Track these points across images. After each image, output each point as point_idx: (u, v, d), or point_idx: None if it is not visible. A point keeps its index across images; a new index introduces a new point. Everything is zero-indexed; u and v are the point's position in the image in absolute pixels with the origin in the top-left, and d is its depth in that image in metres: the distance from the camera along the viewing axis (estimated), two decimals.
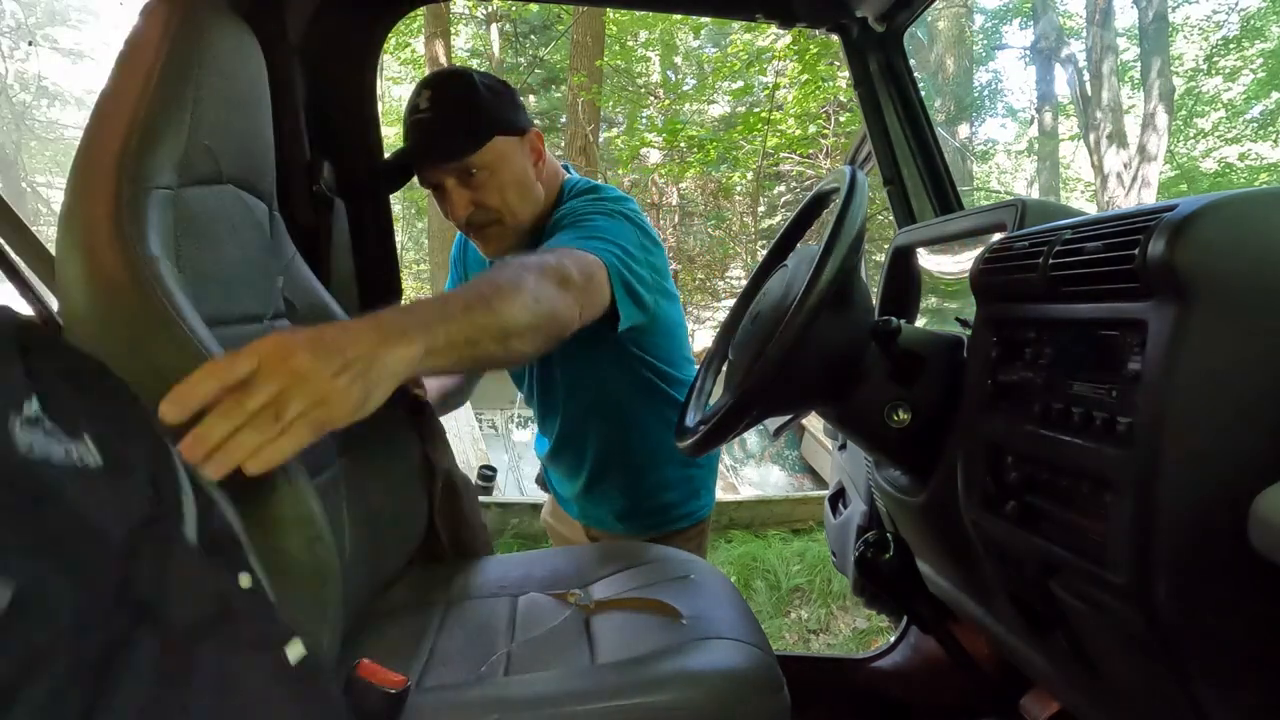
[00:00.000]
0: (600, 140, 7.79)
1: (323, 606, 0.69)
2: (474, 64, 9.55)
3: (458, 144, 1.06)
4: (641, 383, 1.23)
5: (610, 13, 7.04)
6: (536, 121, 1.17)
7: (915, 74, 1.35)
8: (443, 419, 1.20)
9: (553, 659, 0.81)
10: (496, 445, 4.40)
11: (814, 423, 4.00)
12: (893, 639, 1.44)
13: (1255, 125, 9.64)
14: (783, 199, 9.06)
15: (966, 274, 0.78)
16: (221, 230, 0.83)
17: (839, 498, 1.43)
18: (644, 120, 9.36)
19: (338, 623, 0.72)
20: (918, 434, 0.83)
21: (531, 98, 9.00)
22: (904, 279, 1.24)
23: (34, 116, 15.16)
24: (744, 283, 1.23)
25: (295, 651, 0.44)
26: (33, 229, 1.04)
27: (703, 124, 9.25)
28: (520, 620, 0.91)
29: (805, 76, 6.52)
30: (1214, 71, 9.70)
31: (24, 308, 0.95)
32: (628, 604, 0.90)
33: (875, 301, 1.21)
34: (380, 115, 1.31)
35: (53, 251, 0.86)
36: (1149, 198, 7.25)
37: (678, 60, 11.31)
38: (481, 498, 1.60)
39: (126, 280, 0.66)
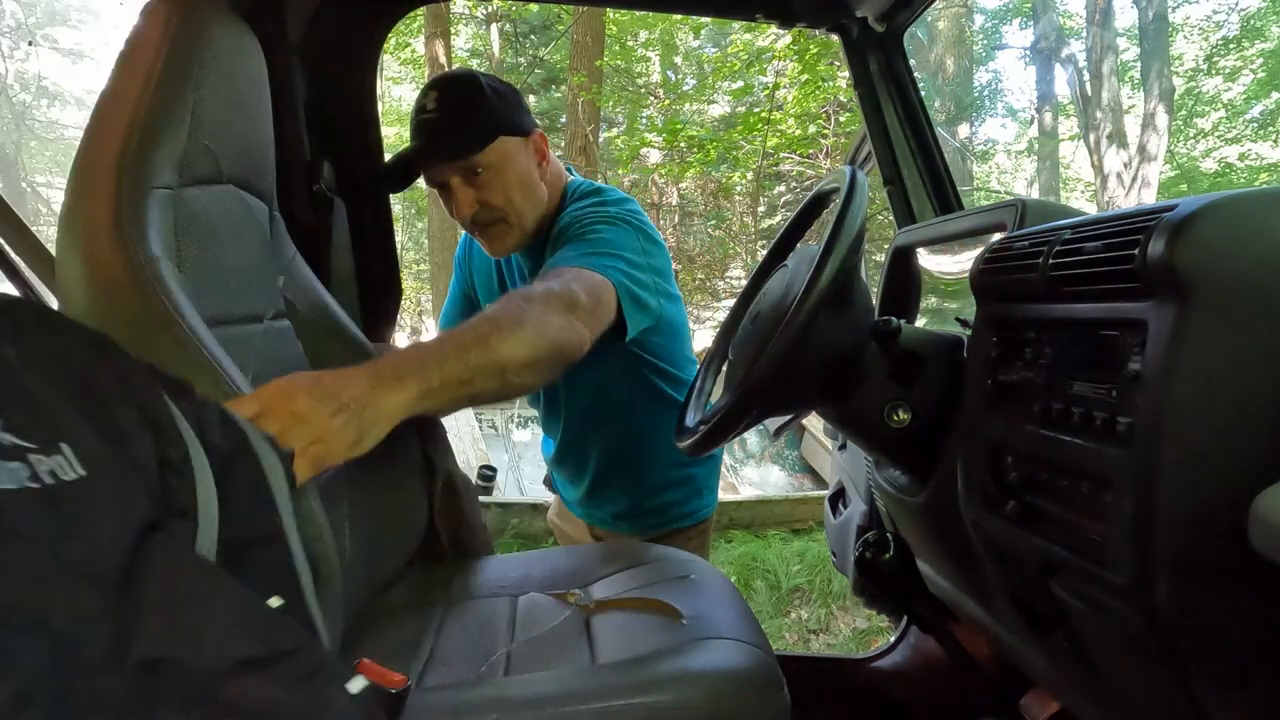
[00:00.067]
0: (600, 140, 7.79)
1: (323, 606, 0.68)
2: (474, 64, 9.55)
3: (463, 143, 1.07)
4: (644, 384, 1.24)
5: (610, 13, 7.04)
6: (537, 122, 1.18)
7: (915, 74, 1.35)
8: (443, 419, 1.20)
9: (553, 659, 0.81)
10: (496, 445, 4.40)
11: (814, 423, 4.00)
12: (893, 639, 1.44)
13: (1255, 125, 9.64)
14: (783, 199, 9.05)
15: (966, 274, 0.78)
16: (222, 230, 0.83)
17: (839, 498, 1.43)
18: (644, 120, 9.36)
19: (338, 623, 0.72)
20: (918, 434, 0.83)
21: (531, 98, 9.00)
22: (904, 279, 1.24)
23: (34, 116, 15.16)
24: (744, 283, 1.23)
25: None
26: (33, 229, 1.04)
27: (703, 124, 9.25)
28: (520, 620, 0.91)
29: (805, 76, 6.52)
30: (1214, 71, 9.70)
31: None
32: (628, 604, 0.90)
33: (875, 301, 1.21)
34: (380, 115, 1.31)
35: (53, 251, 0.86)
36: (1149, 198, 7.25)
37: (678, 60, 11.31)
38: (481, 498, 1.61)
39: (127, 280, 0.67)
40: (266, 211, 0.97)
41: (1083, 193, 10.96)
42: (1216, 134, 10.11)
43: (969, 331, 0.80)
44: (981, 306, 0.77)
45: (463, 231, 1.28)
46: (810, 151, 7.33)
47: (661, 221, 8.65)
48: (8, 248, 1.02)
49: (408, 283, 9.24)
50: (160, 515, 0.36)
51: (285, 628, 0.38)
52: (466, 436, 3.93)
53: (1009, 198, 1.43)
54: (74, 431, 0.34)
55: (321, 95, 1.18)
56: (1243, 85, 9.56)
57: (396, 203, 8.42)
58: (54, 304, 0.94)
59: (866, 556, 1.07)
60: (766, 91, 7.49)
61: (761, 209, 8.74)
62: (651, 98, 9.76)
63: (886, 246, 1.28)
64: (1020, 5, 10.78)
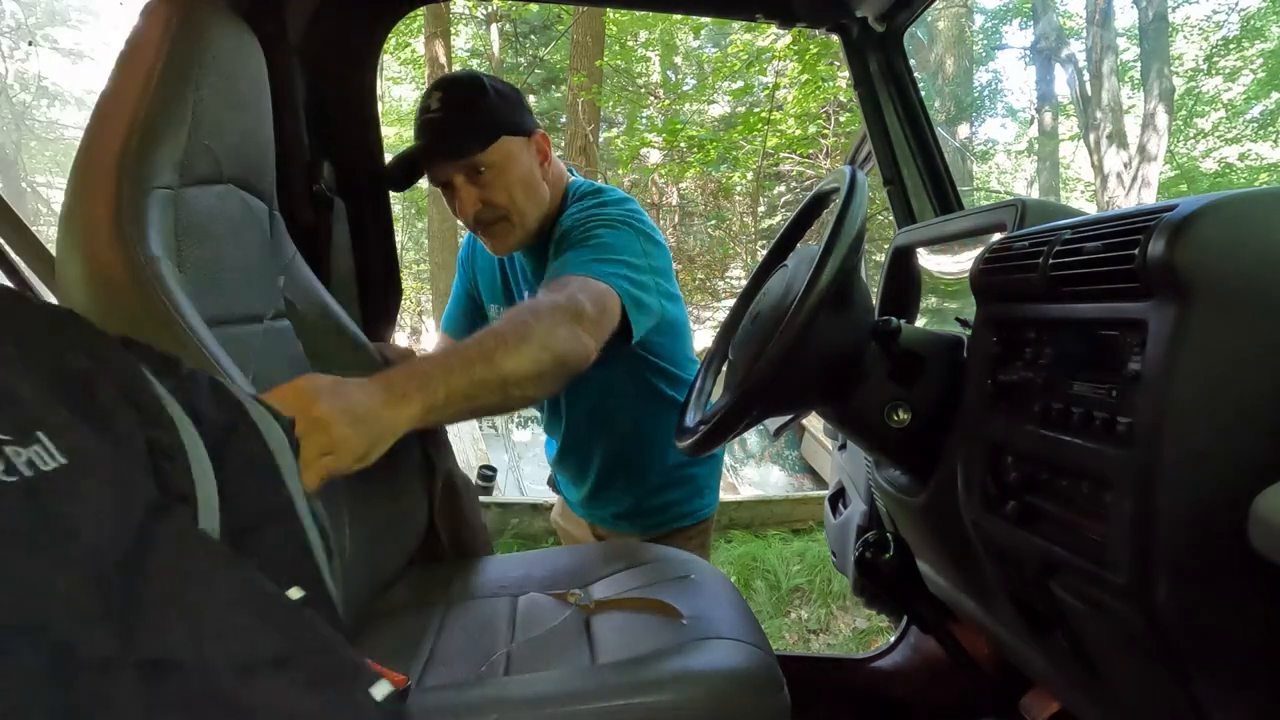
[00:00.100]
0: (600, 140, 7.79)
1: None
2: (474, 64, 9.56)
3: (466, 143, 1.08)
4: (645, 384, 1.24)
5: (610, 13, 7.04)
6: (538, 122, 1.18)
7: (915, 74, 1.35)
8: None
9: (553, 659, 0.81)
10: (496, 445, 4.40)
11: (814, 423, 4.00)
12: (893, 639, 1.44)
13: (1255, 125, 9.64)
14: (783, 199, 9.05)
15: (966, 274, 0.78)
16: (222, 230, 0.83)
17: (839, 498, 1.43)
18: (644, 120, 9.36)
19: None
20: (918, 434, 0.83)
21: (531, 98, 8.97)
22: (904, 279, 1.24)
23: (34, 116, 15.16)
24: (744, 283, 1.23)
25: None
26: (33, 229, 1.04)
27: (703, 124, 9.24)
28: (520, 620, 0.91)
29: (805, 76, 6.52)
30: (1214, 71, 9.70)
31: None
32: (628, 604, 0.90)
33: (875, 301, 1.21)
34: (380, 115, 1.31)
35: (53, 251, 0.86)
36: (1149, 198, 7.25)
37: (678, 60, 11.31)
38: (481, 498, 1.61)
39: (127, 280, 0.67)
40: (266, 211, 0.97)
41: (1083, 193, 10.96)
42: (1216, 134, 10.11)
43: (969, 331, 0.80)
44: (981, 306, 0.77)
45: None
46: (810, 151, 7.32)
47: (661, 221, 8.64)
48: (8, 248, 1.02)
49: (408, 283, 9.24)
50: (159, 500, 0.34)
51: (305, 622, 0.35)
52: (466, 436, 3.94)
53: (1009, 198, 1.43)
54: (50, 418, 0.31)
55: (321, 95, 1.18)
56: (1243, 85, 9.56)
57: (396, 203, 8.42)
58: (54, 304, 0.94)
59: (866, 556, 1.07)
60: (766, 91, 7.49)
61: (761, 209, 8.74)
62: (651, 98, 9.76)
63: (886, 246, 1.28)
64: (1020, 5, 10.78)
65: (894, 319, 0.83)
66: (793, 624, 2.46)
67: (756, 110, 7.61)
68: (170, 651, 0.28)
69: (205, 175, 0.81)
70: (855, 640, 2.31)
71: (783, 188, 8.95)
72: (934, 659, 1.35)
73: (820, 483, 4.02)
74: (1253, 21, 9.29)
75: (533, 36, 9.01)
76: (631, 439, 1.26)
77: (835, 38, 1.36)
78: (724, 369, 1.03)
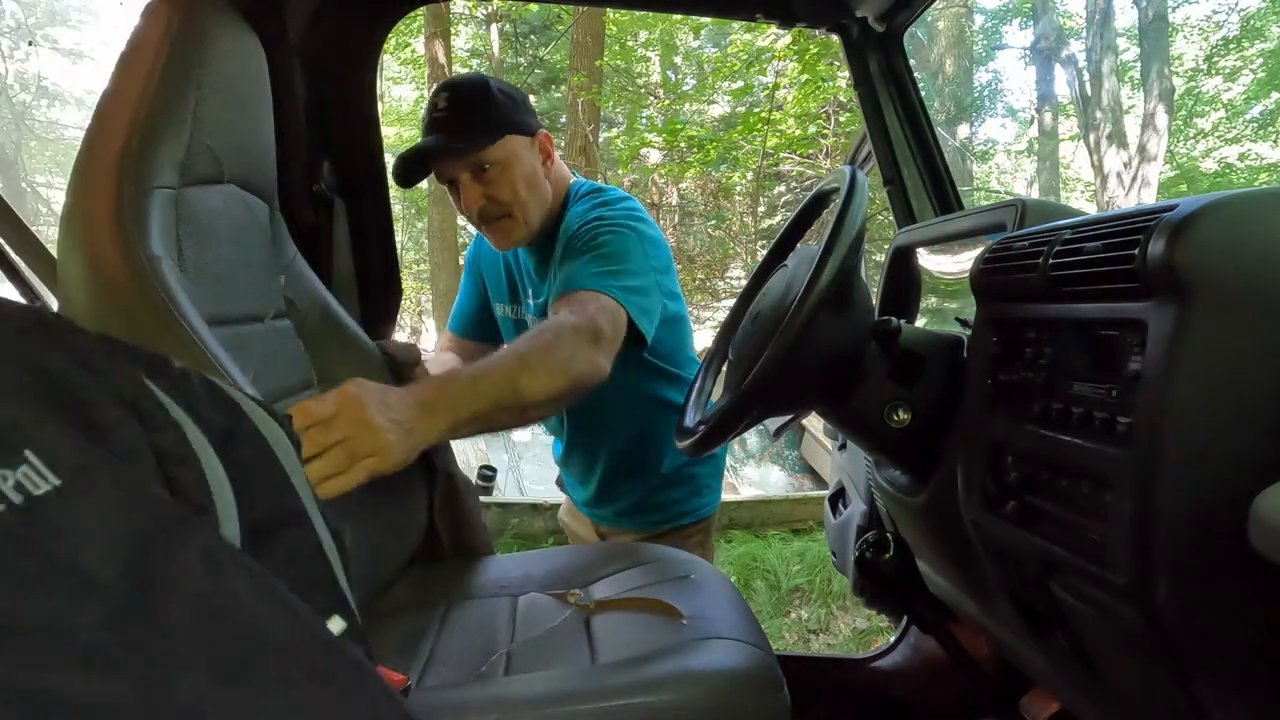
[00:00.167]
0: (600, 140, 7.79)
1: None
2: (474, 64, 9.56)
3: (472, 140, 1.11)
4: (645, 384, 1.24)
5: (610, 13, 7.04)
6: (542, 123, 1.19)
7: (915, 74, 1.35)
8: None
9: (553, 659, 0.81)
10: (496, 445, 4.40)
11: (814, 423, 4.00)
12: (893, 639, 1.44)
13: (1255, 125, 9.64)
14: (783, 199, 9.05)
15: (966, 274, 0.78)
16: (223, 230, 0.83)
17: (839, 498, 1.43)
18: (644, 120, 9.36)
19: None
20: (918, 434, 0.83)
21: (531, 98, 8.93)
22: (904, 279, 1.24)
23: (34, 116, 15.15)
24: (744, 283, 1.23)
25: None
26: (33, 229, 1.04)
27: (703, 124, 9.24)
28: (520, 620, 0.91)
29: (805, 76, 6.52)
30: (1214, 71, 9.70)
31: None
32: (628, 604, 0.90)
33: (875, 301, 1.21)
34: (380, 115, 1.31)
35: (53, 252, 0.86)
36: (1149, 198, 7.25)
37: (678, 60, 11.31)
38: (481, 498, 1.61)
39: (128, 279, 0.67)
40: (267, 211, 0.97)
41: (1083, 193, 10.96)
42: (1216, 134, 10.11)
43: (969, 331, 0.80)
44: (981, 306, 0.77)
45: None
46: (810, 151, 7.32)
47: (662, 221, 8.64)
48: (8, 248, 1.02)
49: (408, 283, 9.24)
50: (176, 513, 0.30)
51: (345, 662, 0.30)
52: None
53: (1009, 198, 1.43)
54: (37, 433, 0.27)
55: (321, 95, 1.18)
56: (1243, 85, 9.57)
57: (396, 203, 8.42)
58: (54, 304, 0.94)
59: (866, 556, 1.07)
60: (766, 91, 7.49)
61: (761, 209, 8.74)
62: (651, 98, 9.76)
63: (886, 246, 1.28)
64: (1020, 5, 10.78)
65: (894, 319, 0.83)
66: (793, 624, 2.46)
67: (756, 110, 7.61)
68: (199, 698, 0.24)
69: (206, 175, 0.81)
70: (855, 640, 2.31)
71: (783, 188, 8.95)
72: (934, 659, 1.35)
73: (820, 483, 4.02)
74: (1253, 21, 9.29)
75: (533, 36, 9.01)
76: (632, 439, 1.27)
77: (835, 38, 1.36)
78: (724, 369, 1.03)
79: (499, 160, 1.12)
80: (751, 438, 4.46)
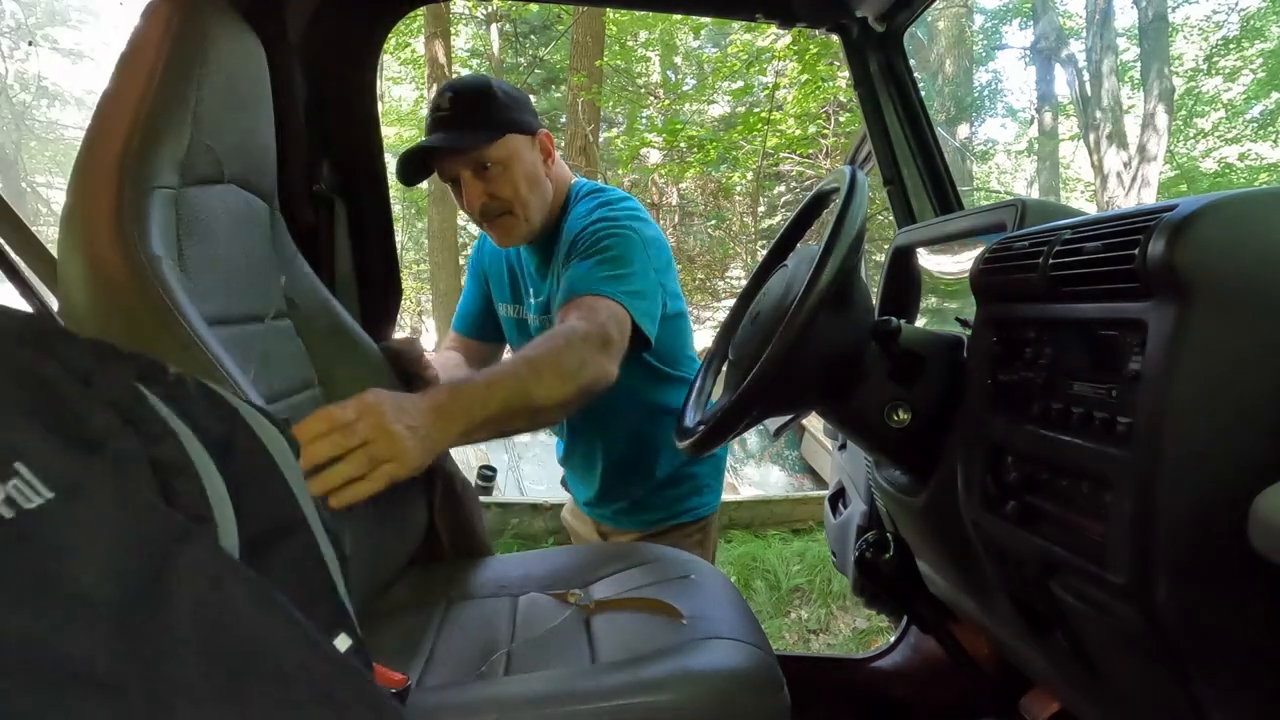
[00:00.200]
0: (600, 140, 7.79)
1: None
2: (474, 64, 9.56)
3: (473, 139, 1.13)
4: (644, 383, 1.25)
5: (610, 13, 7.04)
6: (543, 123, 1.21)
7: (915, 74, 1.35)
8: None
9: (553, 659, 0.81)
10: (496, 445, 4.39)
11: (814, 423, 4.00)
12: (893, 639, 1.44)
13: (1255, 125, 9.64)
14: (783, 199, 9.05)
15: (966, 274, 0.78)
16: (223, 230, 0.83)
17: (839, 498, 1.43)
18: (644, 120, 9.36)
19: None
20: (918, 434, 0.83)
21: (531, 98, 8.97)
22: (904, 279, 1.24)
23: (34, 116, 15.15)
24: (744, 283, 1.23)
25: None
26: (33, 229, 1.04)
27: (703, 124, 9.24)
28: (520, 620, 0.91)
29: (805, 76, 6.52)
30: (1214, 71, 9.70)
31: (24, 308, 0.95)
32: (628, 604, 0.90)
33: (875, 301, 1.21)
34: (380, 115, 1.32)
35: (53, 252, 0.86)
36: (1149, 198, 7.25)
37: (678, 60, 11.31)
38: (481, 498, 1.61)
39: (128, 279, 0.67)
40: (267, 211, 0.97)
41: (1083, 193, 10.96)
42: (1216, 134, 10.11)
43: (969, 331, 0.80)
44: (981, 306, 0.78)
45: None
46: (810, 151, 7.32)
47: (662, 221, 8.64)
48: (8, 248, 1.02)
49: (408, 283, 9.24)
50: (176, 526, 0.29)
51: (351, 684, 0.29)
52: None
53: (1009, 198, 1.43)
54: (28, 445, 0.26)
55: (321, 95, 1.18)
56: (1243, 85, 9.56)
57: (396, 203, 8.42)
58: (54, 304, 0.94)
59: (866, 556, 1.07)
60: (766, 91, 7.48)
61: (761, 209, 8.74)
62: (651, 98, 9.76)
63: (886, 246, 1.28)
64: (1020, 5, 10.78)
65: (894, 319, 0.83)
66: (793, 624, 2.46)
67: (756, 110, 7.61)
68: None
69: (206, 175, 0.81)
70: (855, 640, 2.31)
71: (783, 188, 8.95)
72: (934, 659, 1.35)
73: (820, 483, 4.02)
74: (1253, 21, 9.29)
75: (533, 36, 9.01)
76: (632, 438, 1.28)
77: (835, 38, 1.36)
78: (724, 369, 1.03)
79: (500, 159, 1.14)
80: (751, 438, 4.46)
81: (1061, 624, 0.67)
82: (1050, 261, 0.63)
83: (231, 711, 0.24)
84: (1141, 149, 7.54)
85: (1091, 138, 8.18)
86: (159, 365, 0.38)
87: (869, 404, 0.84)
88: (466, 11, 8.84)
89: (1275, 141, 9.61)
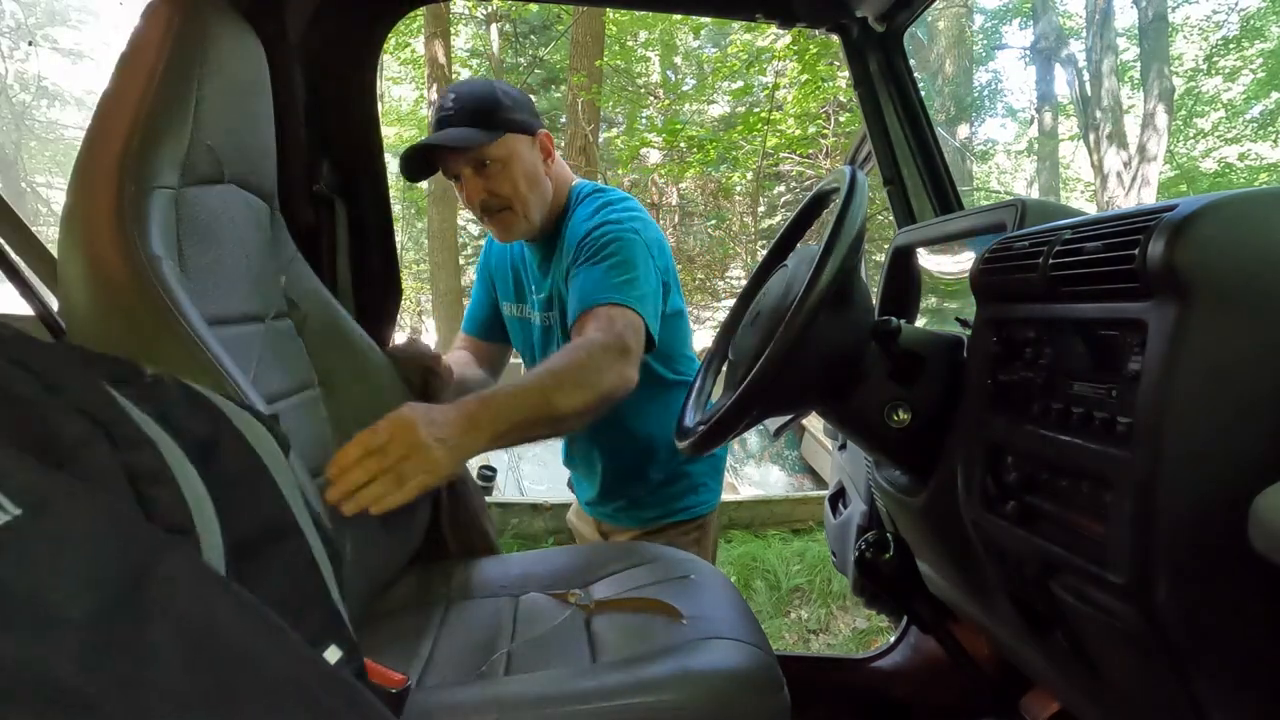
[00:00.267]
0: (600, 140, 7.79)
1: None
2: (474, 64, 9.56)
3: (474, 138, 1.15)
4: (644, 382, 1.24)
5: (610, 13, 7.04)
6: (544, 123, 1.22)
7: (915, 74, 1.35)
8: None
9: (553, 659, 0.81)
10: None
11: (814, 423, 4.00)
12: (893, 639, 1.44)
13: (1255, 125, 9.64)
14: (783, 199, 9.05)
15: (966, 274, 0.78)
16: (224, 230, 0.83)
17: (839, 498, 1.43)
18: (644, 120, 9.36)
19: None
20: (918, 434, 0.83)
21: (532, 98, 8.97)
22: (904, 279, 1.24)
23: (34, 116, 15.16)
24: (744, 283, 1.23)
25: None
26: (33, 229, 1.04)
27: (703, 124, 9.24)
28: (521, 620, 0.91)
29: (805, 76, 6.51)
30: (1214, 71, 9.70)
31: (24, 308, 0.95)
32: (628, 604, 0.90)
33: (875, 301, 1.21)
34: (380, 115, 1.32)
35: (53, 252, 0.86)
36: (1149, 198, 7.25)
37: (678, 60, 11.31)
38: None
39: (128, 279, 0.67)
40: (267, 211, 0.97)
41: (1083, 193, 10.96)
42: (1216, 134, 10.11)
43: (969, 331, 0.80)
44: (981, 306, 0.77)
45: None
46: (810, 151, 7.32)
47: (662, 221, 8.64)
48: (8, 248, 1.02)
49: (408, 283, 9.24)
50: (153, 538, 0.27)
51: (340, 691, 0.28)
52: None
53: (1009, 198, 1.44)
54: None
55: (321, 95, 1.18)
56: (1243, 85, 9.56)
57: (396, 203, 8.41)
58: (54, 304, 0.94)
59: (866, 556, 1.07)
60: (766, 91, 7.48)
61: (761, 209, 8.74)
62: (651, 98, 9.76)
63: (886, 246, 1.28)
64: (1020, 5, 10.78)
65: (894, 319, 0.83)
66: (793, 624, 2.46)
67: (756, 110, 7.61)
68: None
69: (207, 175, 0.81)
70: (855, 640, 2.31)
71: (783, 188, 8.95)
72: (934, 659, 1.35)
73: (820, 483, 4.02)
74: (1253, 21, 9.29)
75: (533, 36, 9.01)
76: (631, 437, 1.29)
77: (835, 38, 1.36)
78: (724, 369, 1.03)
79: (500, 157, 1.17)
80: (751, 438, 4.46)
81: (1061, 624, 0.67)
82: (1050, 261, 0.63)
83: None
84: (1141, 149, 7.54)
85: (1091, 138, 8.18)
86: (133, 367, 0.37)
87: (869, 404, 0.84)
88: (466, 11, 8.84)
89: (1275, 141, 9.61)
